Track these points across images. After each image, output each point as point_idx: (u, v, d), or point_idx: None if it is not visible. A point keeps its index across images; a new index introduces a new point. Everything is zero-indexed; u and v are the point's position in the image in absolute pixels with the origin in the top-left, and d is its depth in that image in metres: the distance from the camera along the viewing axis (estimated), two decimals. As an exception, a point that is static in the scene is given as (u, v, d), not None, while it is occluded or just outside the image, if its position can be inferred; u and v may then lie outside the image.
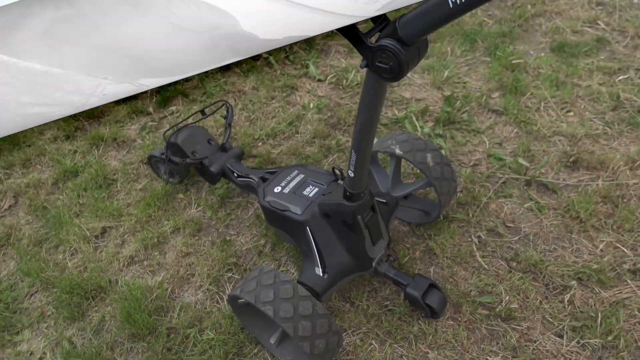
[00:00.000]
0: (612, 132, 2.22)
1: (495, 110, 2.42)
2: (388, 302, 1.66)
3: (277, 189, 1.68)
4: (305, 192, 1.63)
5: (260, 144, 2.40)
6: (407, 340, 1.56)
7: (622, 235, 1.78)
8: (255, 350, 1.58)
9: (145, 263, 1.92)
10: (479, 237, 1.84)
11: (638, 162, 2.03)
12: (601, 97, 2.40)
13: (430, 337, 1.55)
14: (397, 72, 0.94)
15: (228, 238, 1.97)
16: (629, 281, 1.63)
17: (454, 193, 1.76)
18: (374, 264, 1.58)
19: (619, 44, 2.78)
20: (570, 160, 2.08)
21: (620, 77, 2.52)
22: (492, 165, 2.13)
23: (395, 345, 1.55)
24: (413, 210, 1.90)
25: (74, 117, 2.74)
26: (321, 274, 1.51)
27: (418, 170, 2.12)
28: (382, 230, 1.55)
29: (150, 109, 2.73)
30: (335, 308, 1.66)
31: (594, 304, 1.58)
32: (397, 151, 1.69)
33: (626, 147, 2.14)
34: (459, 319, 1.59)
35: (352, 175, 1.33)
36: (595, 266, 1.67)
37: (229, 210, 2.09)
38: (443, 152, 2.00)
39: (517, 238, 1.82)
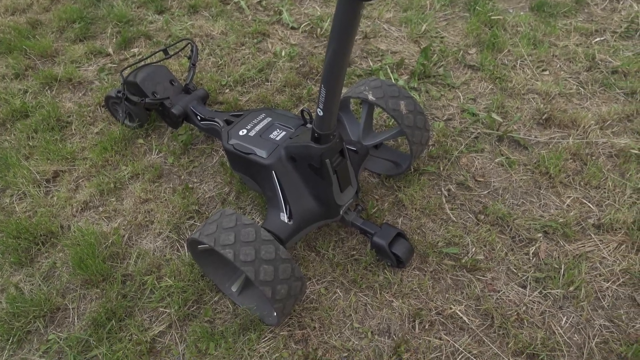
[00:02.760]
0: (585, 92, 2.21)
1: (471, 66, 2.36)
2: (354, 252, 1.62)
3: (242, 132, 1.58)
4: (272, 136, 1.55)
5: (227, 90, 2.28)
6: (372, 289, 1.53)
7: (589, 192, 1.78)
8: (216, 298, 1.53)
9: (100, 209, 1.81)
10: (448, 190, 1.81)
11: (608, 122, 2.03)
12: (577, 58, 2.37)
13: (396, 286, 1.53)
14: None
15: (190, 185, 1.87)
16: (592, 235, 1.64)
17: (426, 143, 1.71)
18: (341, 211, 1.53)
19: (597, 7, 2.74)
20: (543, 117, 2.06)
21: (597, 39, 2.50)
22: (465, 120, 2.09)
23: (360, 294, 1.52)
24: (383, 161, 1.84)
25: (25, 54, 2.53)
26: (286, 220, 1.45)
27: (391, 122, 2.06)
28: (350, 178, 1.49)
29: (110, 50, 2.55)
30: (300, 257, 1.61)
31: (558, 257, 1.59)
32: (370, 97, 1.61)
33: (598, 107, 2.13)
34: (425, 269, 1.57)
35: (320, 113, 1.25)
36: (561, 220, 1.67)
37: (192, 157, 1.98)
38: (417, 103, 1.95)
39: (486, 192, 1.80)
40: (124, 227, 1.74)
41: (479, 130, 2.03)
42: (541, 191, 1.80)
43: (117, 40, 2.58)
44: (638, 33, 2.53)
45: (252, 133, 1.57)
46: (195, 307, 1.51)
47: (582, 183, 1.81)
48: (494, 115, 2.05)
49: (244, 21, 2.72)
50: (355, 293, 1.52)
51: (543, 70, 2.33)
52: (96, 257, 1.59)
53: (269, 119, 1.62)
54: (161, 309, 1.50)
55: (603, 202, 1.75)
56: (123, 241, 1.69)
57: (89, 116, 2.18)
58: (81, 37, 2.64)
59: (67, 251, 1.66)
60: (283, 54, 2.46)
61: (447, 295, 1.51)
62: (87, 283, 1.58)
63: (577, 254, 1.59)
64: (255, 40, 2.57)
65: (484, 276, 1.55)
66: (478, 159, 1.93)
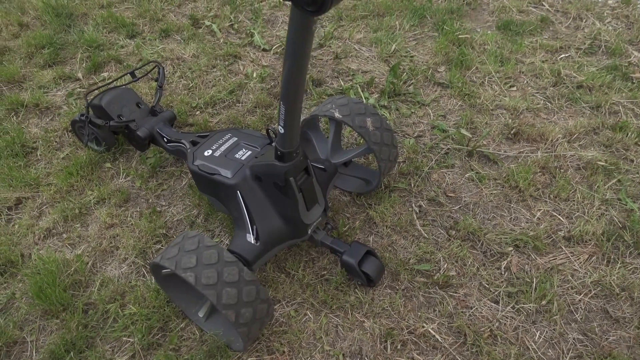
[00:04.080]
0: (552, 107, 2.24)
1: (440, 84, 2.39)
2: (325, 272, 1.59)
3: (208, 153, 1.56)
4: (237, 156, 1.53)
5: (197, 112, 2.26)
6: (343, 309, 1.49)
7: (559, 204, 1.79)
8: (182, 325, 1.47)
9: (64, 236, 1.75)
10: (419, 206, 1.80)
11: (575, 135, 2.06)
12: (543, 73, 2.42)
13: (367, 305, 1.49)
14: (320, 2, 0.85)
15: (158, 209, 1.83)
16: (563, 247, 1.64)
17: (395, 160, 1.70)
18: (309, 231, 1.50)
19: (561, 24, 2.82)
20: (512, 132, 2.08)
21: (562, 55, 2.56)
22: (435, 136, 2.10)
23: (331, 315, 1.48)
24: (353, 178, 1.83)
25: (-9, 81, 2.49)
26: (253, 241, 1.41)
27: (361, 140, 2.06)
28: (317, 196, 1.47)
29: (79, 75, 2.52)
30: (269, 278, 1.57)
31: (530, 270, 1.58)
32: (336, 115, 1.61)
33: (565, 121, 2.17)
34: (397, 287, 1.55)
35: (282, 131, 1.23)
36: (531, 233, 1.67)
37: (160, 180, 1.94)
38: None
39: (457, 207, 1.80)
40: (87, 254, 1.68)
41: (449, 146, 2.04)
42: (511, 205, 1.80)
43: (87, 65, 2.56)
44: (601, 49, 2.60)
45: (217, 153, 1.55)
46: (160, 335, 1.45)
47: (551, 196, 1.82)
48: (463, 131, 2.06)
49: (215, 44, 2.72)
50: (325, 314, 1.49)
51: (511, 87, 2.37)
52: (57, 286, 1.53)
53: (235, 139, 1.60)
54: (124, 339, 1.44)
55: (573, 214, 1.76)
56: (86, 268, 1.63)
57: (56, 141, 2.13)
58: (50, 62, 2.61)
59: (26, 281, 1.60)
60: (254, 75, 2.47)
61: (419, 313, 1.48)
62: (47, 314, 1.51)
63: (548, 267, 1.59)
64: (226, 63, 2.57)
65: (456, 292, 1.53)
66: (449, 174, 1.93)
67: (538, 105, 2.24)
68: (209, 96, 2.33)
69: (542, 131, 2.08)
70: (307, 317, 1.48)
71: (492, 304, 1.50)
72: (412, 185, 1.87)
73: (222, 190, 1.48)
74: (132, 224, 1.77)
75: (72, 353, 1.38)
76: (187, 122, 2.19)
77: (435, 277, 1.55)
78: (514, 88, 2.36)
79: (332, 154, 1.71)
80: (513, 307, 1.49)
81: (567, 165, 1.94)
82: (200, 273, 1.20)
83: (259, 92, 2.35)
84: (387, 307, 1.49)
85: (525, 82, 2.39)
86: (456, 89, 2.32)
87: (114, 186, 1.92)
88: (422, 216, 1.77)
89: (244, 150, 1.55)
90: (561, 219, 1.74)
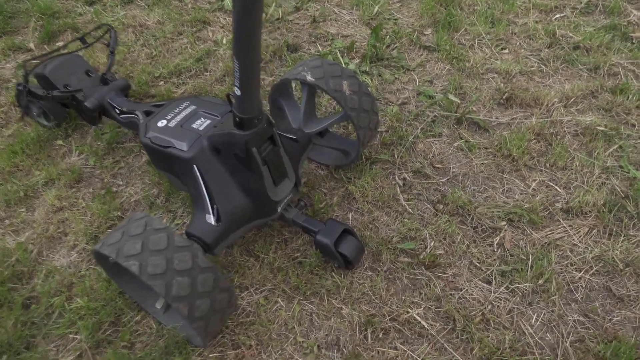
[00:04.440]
0: (547, 70, 2.07)
1: (427, 47, 2.20)
2: (298, 254, 1.42)
3: (162, 123, 1.37)
4: (194, 126, 1.34)
5: (161, 82, 2.06)
6: (318, 295, 1.33)
7: (555, 174, 1.63)
8: (138, 318, 1.31)
9: (6, 222, 1.56)
10: (404, 179, 1.63)
11: (572, 99, 1.89)
12: (537, 34, 2.24)
13: (345, 290, 1.34)
14: None
15: (114, 189, 1.64)
16: (561, 220, 1.49)
17: (375, 128, 1.53)
18: (279, 208, 1.33)
19: (555, -17, 2.62)
20: (504, 97, 1.91)
21: (557, 15, 2.37)
22: (421, 103, 1.92)
23: (305, 302, 1.32)
24: (330, 150, 1.66)
25: None
26: (213, 222, 1.24)
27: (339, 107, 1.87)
28: (286, 169, 1.30)
29: (31, 45, 2.28)
30: (236, 263, 1.40)
31: (525, 246, 1.43)
32: (308, 78, 1.42)
33: (561, 85, 2.00)
34: (378, 268, 1.39)
35: (238, 93, 1.05)
36: (526, 206, 1.52)
37: (117, 157, 1.75)
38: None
39: (445, 179, 1.63)
40: (32, 241, 1.49)
41: (435, 113, 1.86)
42: (504, 175, 1.64)
43: (40, 35, 2.32)
44: (598, 8, 2.42)
45: (172, 124, 1.36)
46: (111, 331, 1.28)
47: (547, 165, 1.66)
48: (451, 97, 1.89)
49: (182, 9, 2.49)
50: (299, 301, 1.33)
51: (502, 49, 2.19)
52: (-5, 278, 1.35)
53: (193, 107, 1.41)
54: (70, 336, 1.27)
55: (571, 183, 1.60)
56: (30, 257, 1.45)
57: (1, 117, 1.92)
58: (-1, 32, 2.37)
59: (-38, 273, 1.41)
60: (224, 42, 2.25)
61: (403, 297, 1.33)
62: (-16, 310, 1.34)
63: (545, 243, 1.43)
64: (194, 29, 2.35)
65: (444, 273, 1.38)
66: (436, 144, 1.76)
67: (532, 68, 2.07)
68: (174, 65, 2.11)
69: (537, 95, 1.91)
70: (278, 305, 1.32)
71: (484, 285, 1.35)
72: (396, 156, 1.70)
73: (177, 165, 1.30)
74: (83, 207, 1.58)
75: (5, 357, 1.21)
76: (149, 94, 1.99)
77: (421, 257, 1.39)
78: (506, 50, 2.18)
79: (306, 122, 1.52)
80: (507, 288, 1.34)
81: (564, 131, 1.78)
82: (146, 261, 1.03)
83: (228, 59, 2.14)
84: (367, 291, 1.33)
85: (518, 43, 2.21)
86: (444, 52, 2.13)
87: (65, 165, 1.72)
88: (406, 190, 1.60)
89: (203, 119, 1.36)
90: (558, 189, 1.59)
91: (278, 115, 1.68)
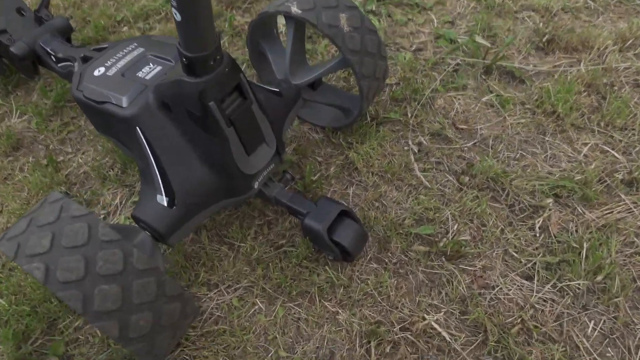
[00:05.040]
0: (595, 6, 1.68)
1: (447, -20, 1.80)
2: (284, 241, 1.12)
3: (99, 72, 1.03)
4: (139, 74, 1.00)
5: (124, 28, 1.70)
6: (308, 295, 1.03)
7: (613, 135, 1.28)
8: (78, 323, 1.02)
9: None
10: (419, 143, 1.30)
11: (630, 41, 1.51)
12: (582, -37, 1.83)
13: (342, 289, 1.03)
14: None
15: (60, 158, 1.33)
16: (622, 195, 1.16)
17: (383, 78, 1.18)
18: (255, 184, 1.01)
19: None
20: (544, 40, 1.53)
21: (605, -59, 1.94)
22: (440, 49, 1.55)
23: (290, 305, 1.03)
24: (326, 107, 1.32)
25: None
26: (165, 204, 0.93)
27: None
28: (262, 132, 0.97)
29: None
30: (202, 254, 1.10)
31: (577, 230, 1.10)
32: (294, 10, 1.07)
33: (613, 24, 1.61)
34: (386, 260, 1.08)
35: (178, 17, 0.71)
36: (578, 177, 1.18)
37: (66, 119, 1.43)
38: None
39: (471, 144, 1.29)
40: (-46, 224, 1.20)
41: (458, 61, 1.50)
42: (547, 138, 1.29)
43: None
44: None
45: (111, 72, 1.02)
46: (42, 341, 1.00)
47: (601, 124, 1.31)
48: (479, 39, 1.51)
49: (154, -58, 2.10)
50: (283, 303, 1.03)
51: (540, -18, 1.78)
52: None
53: (141, 50, 1.07)
54: (-10, 348, 1.00)
55: (632, 147, 1.26)
56: (-50, 244, 1.16)
57: None
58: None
59: None
60: (202, -22, 1.87)
61: (417, 298, 1.02)
62: None
63: (603, 225, 1.11)
64: (167, -36, 1.96)
65: (471, 266, 1.06)
66: (459, 99, 1.41)
67: (577, 4, 1.67)
68: (140, 6, 1.75)
69: (585, 37, 1.53)
70: (255, 308, 1.03)
71: (524, 282, 1.04)
72: (409, 115, 1.36)
73: (117, 126, 0.98)
74: (20, 180, 1.28)
75: None
76: (108, 41, 1.64)
77: (442, 245, 1.08)
78: (545, -16, 1.78)
79: (293, 71, 1.18)
80: (554, 286, 1.03)
81: (621, 81, 1.42)
82: (55, 262, 0.73)
83: (206, -1, 1.77)
84: (371, 290, 1.03)
85: (558, -25, 1.80)
86: (468, -14, 1.74)
87: (1, 129, 1.41)
88: (422, 157, 1.27)
89: (152, 65, 1.02)
90: (617, 155, 1.24)
91: (260, 64, 1.34)
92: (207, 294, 1.05)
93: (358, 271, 1.06)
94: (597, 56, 1.49)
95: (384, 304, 1.01)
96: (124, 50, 1.07)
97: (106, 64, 1.04)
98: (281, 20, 1.43)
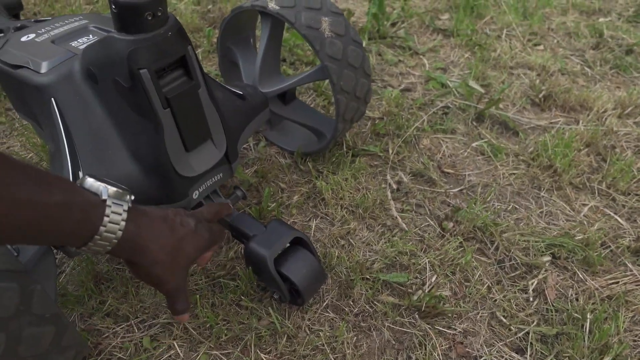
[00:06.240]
0: (593, 73, 1.61)
1: (442, 30, 1.74)
2: (222, 273, 0.90)
3: (27, 38, 0.87)
4: (74, 43, 0.84)
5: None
6: (241, 343, 0.80)
7: (614, 199, 1.13)
8: None
9: None
10: (399, 182, 1.13)
11: (630, 109, 1.42)
12: (579, 32, 1.80)
13: (286, 340, 0.81)
14: None
15: (-23, 149, 1.12)
16: (629, 264, 0.98)
17: (365, 98, 1.03)
18: (194, 193, 0.81)
19: (596, -11, 2.21)
20: (540, 96, 1.44)
21: (601, 19, 1.94)
22: (430, 91, 1.44)
23: (216, 353, 0.79)
24: (297, 129, 1.16)
25: None
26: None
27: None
28: (208, 126, 0.79)
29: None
30: (114, 277, 0.87)
31: (577, 299, 0.91)
32: (271, 5, 0.94)
33: (611, 92, 1.53)
34: (346, 309, 0.86)
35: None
36: (579, 236, 1.01)
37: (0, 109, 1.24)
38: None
39: (457, 189, 1.13)
40: None
41: (449, 103, 1.38)
42: (542, 193, 1.14)
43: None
44: (649, 18, 1.99)
45: (41, 38, 0.85)
46: None
47: (603, 185, 1.17)
48: (473, 84, 1.41)
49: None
50: (207, 350, 0.79)
51: (536, 45, 1.73)
52: None
53: (84, 22, 0.91)
54: None
55: (638, 215, 1.10)
56: None
57: None
58: None
59: None
60: (190, -3, 1.79)
61: (380, 362, 0.80)
62: None
63: (608, 296, 0.92)
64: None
65: (449, 327, 0.85)
66: (446, 141, 1.26)
67: (574, 69, 1.61)
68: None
69: (584, 98, 1.43)
70: (171, 353, 0.79)
71: (514, 355, 0.83)
72: (390, 151, 1.20)
73: (30, 98, 0.79)
74: None
75: None
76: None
77: (416, 298, 0.87)
78: (541, 47, 1.72)
79: (263, 78, 1.03)
80: (550, 364, 0.82)
81: (622, 145, 1.30)
82: None
83: (189, 15, 1.67)
84: (322, 345, 0.80)
85: (555, 41, 1.76)
86: (463, 37, 1.67)
87: None
88: (400, 197, 1.09)
89: (91, 37, 0.86)
90: (620, 220, 1.09)
91: (229, 73, 1.19)
92: (112, 328, 0.81)
93: (310, 319, 0.84)
94: (596, 118, 1.38)
95: (336, 364, 0.78)
96: (65, 21, 0.91)
97: (39, 32, 0.87)
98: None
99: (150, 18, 0.63)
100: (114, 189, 0.54)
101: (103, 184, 0.54)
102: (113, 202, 0.53)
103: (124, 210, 0.54)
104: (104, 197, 0.53)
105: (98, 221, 0.51)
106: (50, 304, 0.59)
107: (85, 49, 0.73)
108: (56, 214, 0.47)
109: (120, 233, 0.53)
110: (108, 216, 0.52)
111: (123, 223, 0.53)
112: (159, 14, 0.64)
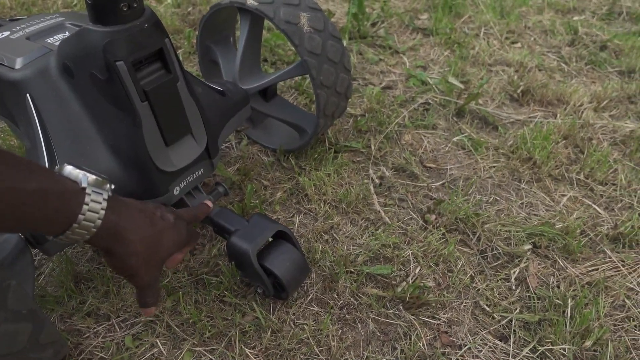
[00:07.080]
0: (569, 69, 1.64)
1: (422, 29, 1.76)
2: (206, 270, 0.89)
3: (1, 35, 0.85)
4: (50, 40, 0.83)
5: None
6: (225, 339, 0.79)
7: (592, 189, 1.16)
8: None
9: None
10: (381, 177, 1.14)
11: (605, 102, 1.46)
12: (555, 30, 1.84)
13: (270, 334, 0.80)
14: None
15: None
16: (607, 252, 1.00)
17: (345, 94, 1.04)
18: (175, 189, 0.81)
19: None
20: (518, 91, 1.46)
21: (575, 18, 1.99)
22: (411, 88, 1.45)
23: (201, 349, 0.78)
24: (279, 126, 1.16)
25: None
26: (49, 197, 0.70)
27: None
28: (188, 121, 0.78)
29: None
30: (94, 276, 0.86)
31: (558, 286, 0.93)
32: (250, 2, 0.94)
33: (587, 87, 1.57)
34: (331, 302, 0.86)
35: None
36: (558, 225, 1.03)
37: (-26, 112, 1.21)
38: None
39: (439, 183, 1.14)
40: None
41: (429, 99, 1.39)
42: (522, 185, 1.16)
43: None
44: (622, 16, 2.05)
45: (15, 35, 0.84)
46: None
47: (581, 176, 1.19)
48: (452, 80, 1.43)
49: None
50: (191, 347, 0.78)
51: (513, 42, 1.76)
52: None
53: (60, 19, 0.90)
54: None
55: (615, 203, 1.13)
56: None
57: None
58: None
59: None
60: None
61: (365, 353, 0.80)
62: None
63: (588, 282, 0.94)
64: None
65: (434, 318, 0.86)
66: (428, 137, 1.28)
67: (551, 65, 1.64)
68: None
69: (561, 93, 1.46)
70: (154, 351, 0.78)
71: (497, 342, 0.83)
72: (373, 147, 1.21)
73: (5, 95, 0.78)
74: None
75: None
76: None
77: (400, 290, 0.88)
78: (518, 44, 1.76)
79: (244, 74, 1.03)
80: (534, 350, 0.83)
81: (599, 137, 1.33)
82: None
83: (169, 17, 1.66)
84: (307, 338, 0.80)
85: (532, 39, 1.79)
86: (443, 36, 1.70)
87: None
88: (383, 192, 1.10)
89: (67, 33, 0.85)
90: (598, 209, 1.11)
91: (211, 72, 1.19)
92: (93, 328, 0.80)
93: (294, 313, 0.84)
94: (573, 112, 1.41)
95: (322, 356, 0.78)
96: (41, 19, 0.90)
97: (14, 29, 0.86)
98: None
99: (125, 9, 0.63)
100: (94, 177, 0.54)
101: (82, 172, 0.54)
102: (93, 191, 0.52)
103: (103, 199, 0.53)
104: (84, 185, 0.52)
105: (77, 209, 0.50)
106: (27, 299, 0.58)
107: (60, 43, 0.72)
108: (33, 201, 0.46)
109: (99, 222, 0.52)
110: (87, 204, 0.51)
111: (103, 212, 0.53)
112: (135, 5, 0.63)
